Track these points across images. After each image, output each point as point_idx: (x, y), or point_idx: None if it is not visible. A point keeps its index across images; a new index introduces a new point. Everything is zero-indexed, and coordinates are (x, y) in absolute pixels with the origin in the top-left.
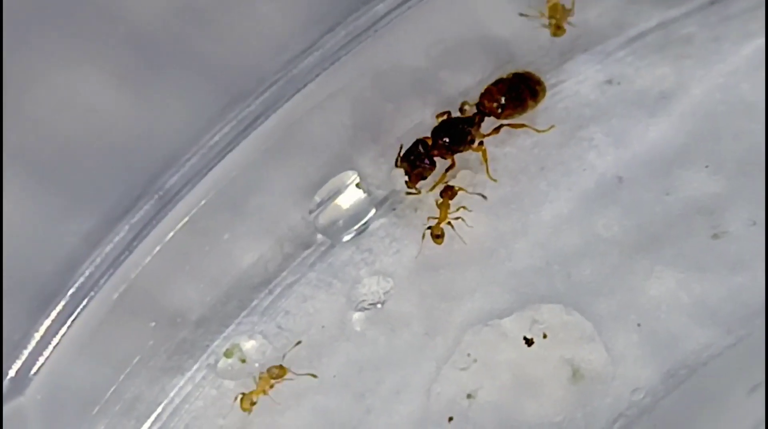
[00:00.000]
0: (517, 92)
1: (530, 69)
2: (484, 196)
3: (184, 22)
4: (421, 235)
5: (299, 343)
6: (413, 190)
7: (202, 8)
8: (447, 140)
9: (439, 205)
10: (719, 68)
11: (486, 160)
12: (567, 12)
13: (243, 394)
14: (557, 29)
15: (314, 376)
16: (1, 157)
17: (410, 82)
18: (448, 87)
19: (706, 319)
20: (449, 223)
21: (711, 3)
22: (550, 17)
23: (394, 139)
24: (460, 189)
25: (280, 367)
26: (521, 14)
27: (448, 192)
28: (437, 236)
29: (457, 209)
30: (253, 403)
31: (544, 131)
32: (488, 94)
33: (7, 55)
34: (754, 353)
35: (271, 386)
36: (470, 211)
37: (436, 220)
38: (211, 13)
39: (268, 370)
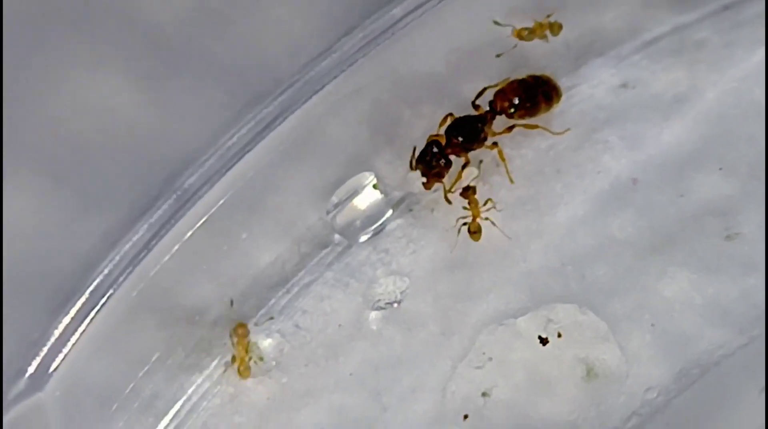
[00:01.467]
0: (531, 94)
1: (546, 72)
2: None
3: (201, 25)
4: (456, 230)
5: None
6: (442, 183)
7: (219, 11)
8: (461, 139)
9: (469, 205)
10: (732, 73)
11: (503, 160)
12: (535, 28)
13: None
14: (552, 30)
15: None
16: (14, 156)
17: (426, 84)
18: (464, 89)
19: (718, 320)
20: (486, 218)
21: (724, 8)
22: (534, 36)
23: (411, 140)
24: (473, 187)
25: (241, 324)
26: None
27: (469, 191)
28: (474, 232)
29: (486, 202)
30: (247, 367)
31: (559, 134)
32: (502, 93)
33: (27, 57)
34: (766, 353)
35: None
36: (499, 210)
37: (471, 217)
38: (229, 16)
39: (235, 332)
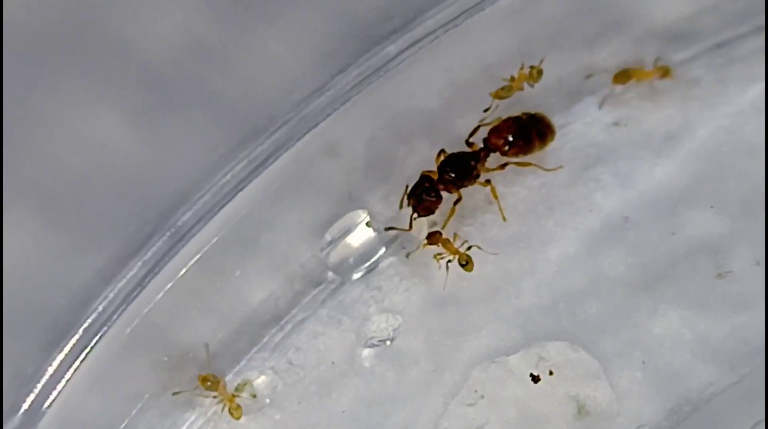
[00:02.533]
0: (526, 132)
1: (539, 110)
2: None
3: (196, 62)
4: (445, 268)
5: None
6: (406, 229)
7: (214, 48)
8: (453, 174)
9: (443, 246)
10: (724, 110)
11: (496, 197)
12: (512, 85)
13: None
14: (531, 79)
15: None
16: (9, 193)
17: (420, 122)
18: (458, 126)
19: (709, 357)
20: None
21: (717, 46)
22: (513, 91)
23: (405, 178)
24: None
25: (204, 377)
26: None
27: (435, 236)
28: (465, 264)
29: (464, 243)
30: (237, 407)
31: (551, 171)
32: (496, 130)
33: (22, 94)
34: (756, 391)
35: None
36: (479, 248)
37: (453, 256)
38: (223, 53)
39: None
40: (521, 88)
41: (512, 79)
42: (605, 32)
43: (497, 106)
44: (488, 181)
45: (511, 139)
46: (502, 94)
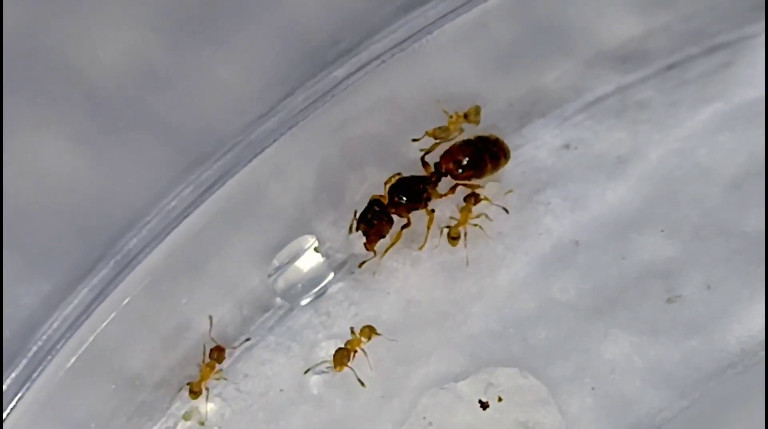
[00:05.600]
0: (479, 156)
1: (492, 132)
2: (506, 210)
3: (142, 86)
4: (439, 232)
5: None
6: (372, 253)
7: (160, 72)
8: (403, 198)
9: (461, 209)
10: (676, 133)
11: (429, 227)
12: (449, 125)
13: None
14: (469, 119)
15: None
16: None
17: (369, 146)
18: (408, 151)
19: (660, 383)
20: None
21: (668, 68)
22: (450, 132)
23: (353, 203)
24: (485, 198)
25: (219, 347)
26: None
27: (472, 198)
28: (454, 238)
29: (478, 216)
30: (201, 390)
31: (498, 204)
32: (449, 154)
33: None
34: (707, 417)
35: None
36: (491, 220)
37: (456, 222)
38: (170, 77)
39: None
40: (460, 130)
41: (450, 118)
42: (555, 54)
43: (435, 142)
44: (433, 211)
45: (464, 162)
46: (438, 133)
